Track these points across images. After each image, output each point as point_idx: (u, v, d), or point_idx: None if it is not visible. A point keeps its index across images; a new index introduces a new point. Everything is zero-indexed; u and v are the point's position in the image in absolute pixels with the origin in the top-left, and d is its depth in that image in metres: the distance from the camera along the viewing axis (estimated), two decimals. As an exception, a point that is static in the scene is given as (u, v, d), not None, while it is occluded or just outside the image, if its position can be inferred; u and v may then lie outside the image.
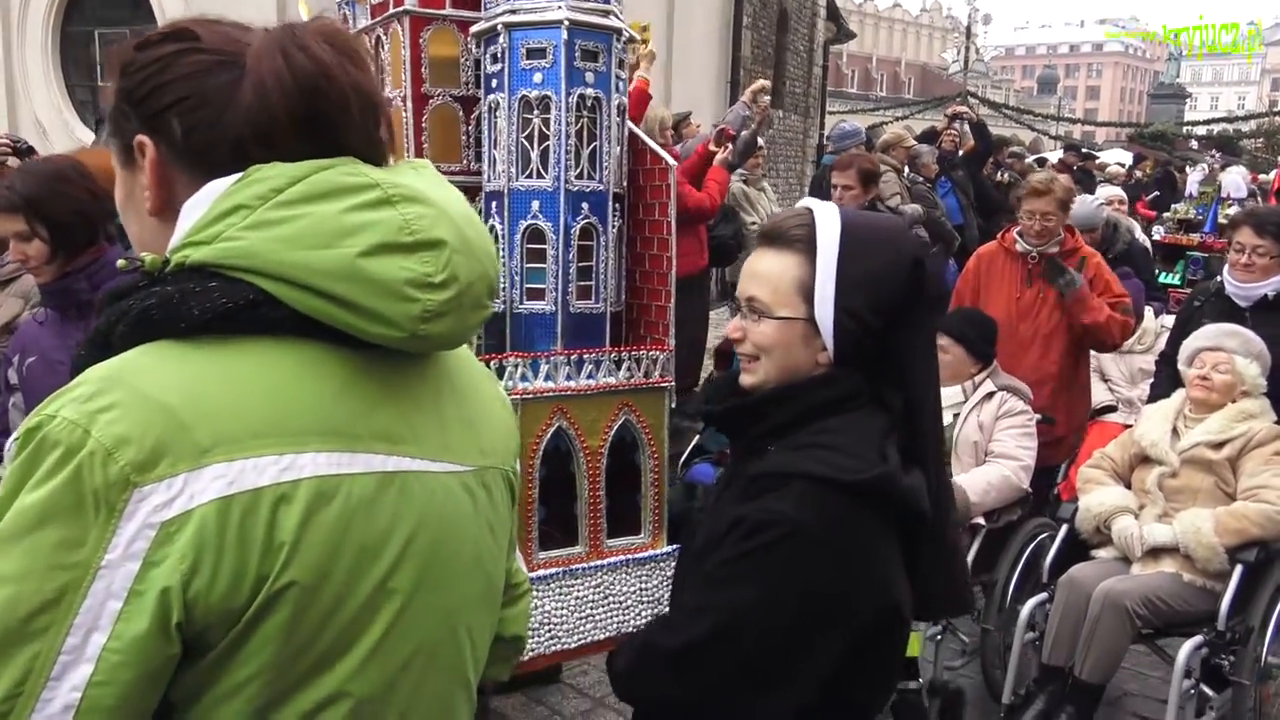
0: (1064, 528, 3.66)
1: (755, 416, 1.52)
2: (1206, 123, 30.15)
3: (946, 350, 3.87)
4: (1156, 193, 13.80)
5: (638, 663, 1.51)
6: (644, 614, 3.10)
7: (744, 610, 1.37)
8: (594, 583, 3.04)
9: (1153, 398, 4.10)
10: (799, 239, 1.49)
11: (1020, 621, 3.45)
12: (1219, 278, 4.22)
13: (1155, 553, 3.36)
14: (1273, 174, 13.80)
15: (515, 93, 2.92)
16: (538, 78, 2.90)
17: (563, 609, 2.98)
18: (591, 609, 3.04)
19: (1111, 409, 5.26)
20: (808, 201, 1.57)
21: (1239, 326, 3.71)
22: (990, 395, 3.89)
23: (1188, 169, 16.31)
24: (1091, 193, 10.81)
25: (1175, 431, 3.57)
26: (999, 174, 10.92)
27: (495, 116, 3.00)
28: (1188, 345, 3.74)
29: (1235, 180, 12.00)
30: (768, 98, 6.78)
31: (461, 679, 1.12)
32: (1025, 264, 4.36)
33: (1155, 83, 50.07)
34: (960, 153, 9.77)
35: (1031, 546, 3.73)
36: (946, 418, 3.74)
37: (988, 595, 3.64)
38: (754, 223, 6.82)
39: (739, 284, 1.56)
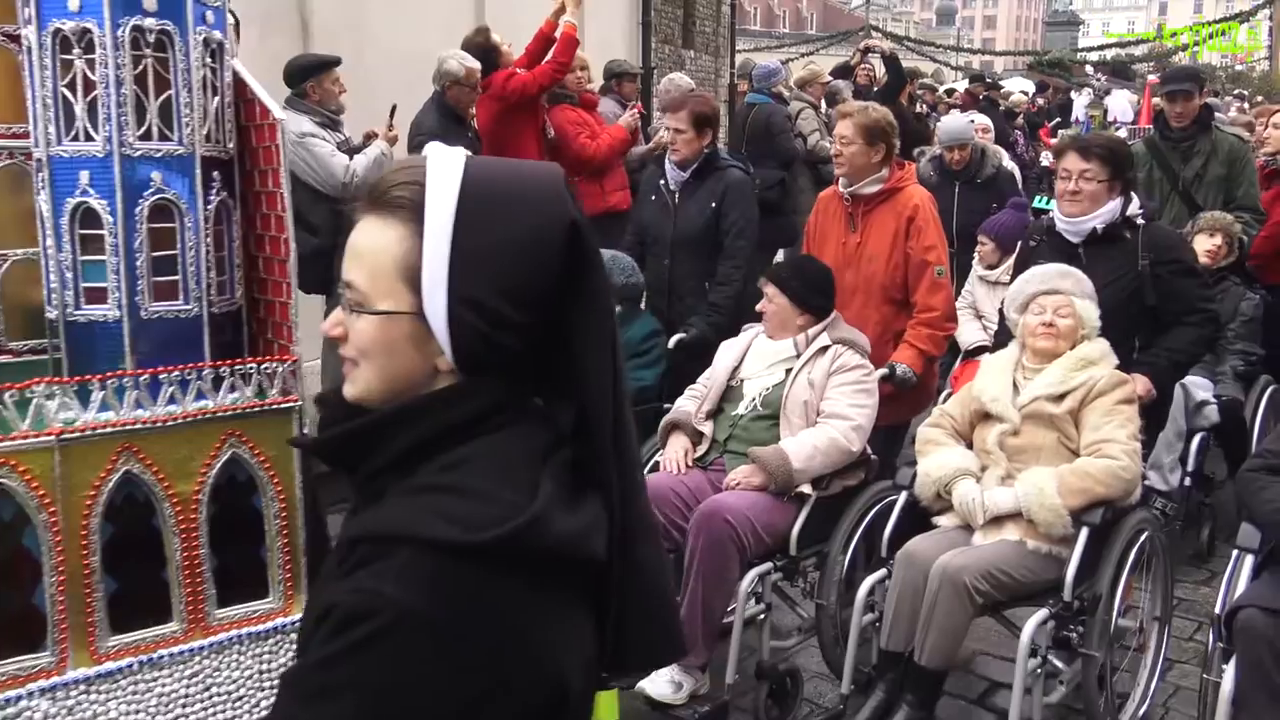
0: (903, 495, 3.32)
1: (364, 445, 1.11)
2: (1100, 48, 30.90)
3: (771, 300, 3.63)
4: (1059, 119, 14.14)
5: None
6: (264, 705, 2.40)
7: None
8: (189, 671, 2.32)
9: (996, 345, 3.82)
10: (404, 202, 1.09)
11: (857, 602, 3.14)
12: (1052, 214, 3.86)
13: (999, 519, 3.07)
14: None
15: (46, 25, 2.25)
16: (73, 4, 2.23)
17: (138, 713, 2.26)
18: (184, 708, 2.32)
19: (986, 348, 4.91)
20: (433, 147, 1.14)
21: (1069, 266, 3.41)
22: (824, 350, 3.57)
23: (1073, 94, 16.48)
24: (999, 129, 11.05)
25: (1016, 385, 3.28)
26: (915, 106, 11.08)
27: (31, 59, 2.31)
28: (1017, 291, 3.41)
29: (1121, 104, 12.10)
30: None
31: None
32: (844, 206, 4.09)
33: (1049, 10, 50.92)
34: (874, 88, 9.90)
35: (871, 515, 3.41)
36: (777, 374, 3.56)
37: (821, 569, 3.36)
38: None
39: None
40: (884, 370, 3.79)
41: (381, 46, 6.38)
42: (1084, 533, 2.96)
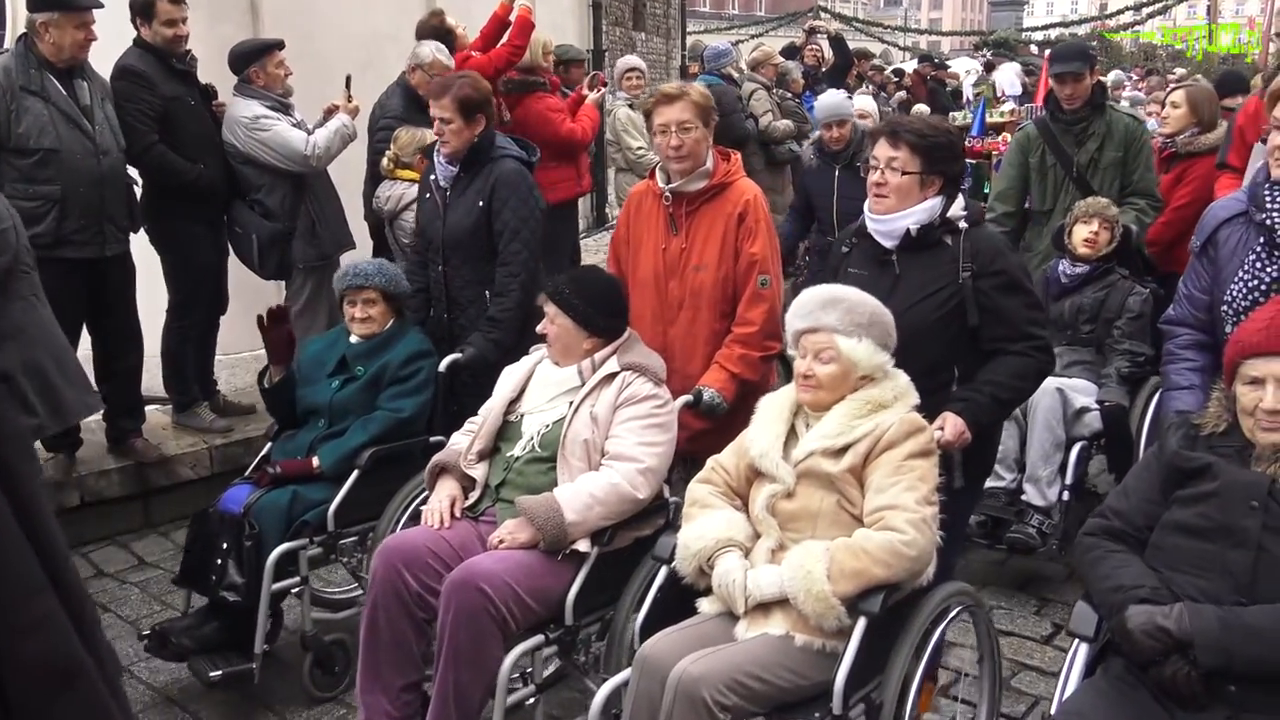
0: (662, 570, 2.72)
1: None
2: (1044, 28, 31.20)
3: (552, 320, 3.13)
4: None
5: None
6: None
7: None
8: None
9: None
10: None
11: (591, 714, 2.50)
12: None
13: (766, 606, 2.49)
14: (1114, 74, 14.27)
15: None
16: None
17: None
18: None
19: None
20: None
21: (841, 289, 2.75)
22: (611, 378, 3.05)
23: (960, 72, 15.78)
24: (945, 111, 11.14)
25: (797, 433, 2.69)
26: (863, 86, 11.20)
27: None
28: (787, 324, 2.79)
29: (1009, 77, 11.70)
30: None
31: None
32: (664, 206, 3.52)
33: (995, -10, 51.36)
34: (822, 68, 10.01)
35: (666, 570, 2.76)
36: (559, 408, 3.07)
37: (607, 639, 2.87)
38: (640, 148, 6.88)
39: None
40: (687, 398, 3.29)
41: (332, 29, 6.34)
42: (860, 624, 2.38)
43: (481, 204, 3.86)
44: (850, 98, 6.08)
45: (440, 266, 3.99)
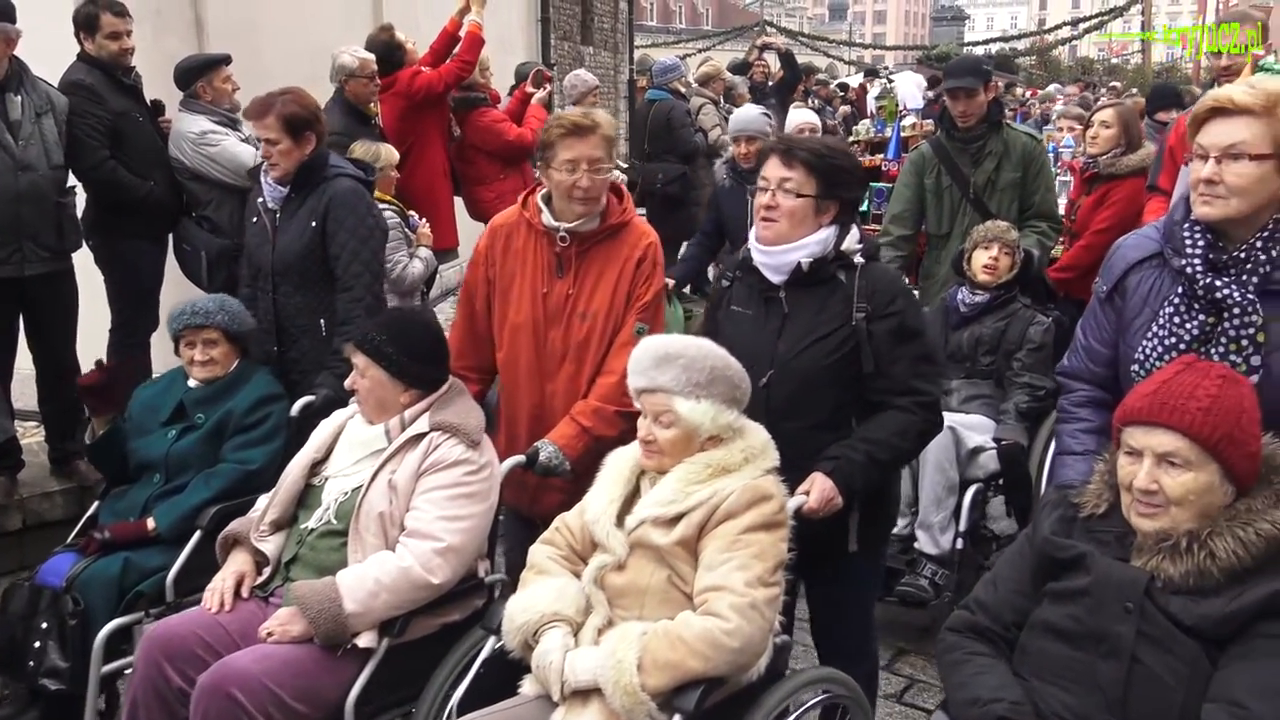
0: (489, 643, 2.43)
1: None
2: (985, 42, 31.89)
3: (363, 373, 2.76)
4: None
5: None
6: None
7: None
8: None
9: None
10: None
11: None
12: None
13: (587, 693, 2.19)
14: (1051, 88, 14.55)
15: None
16: None
17: None
18: None
19: None
20: None
21: (679, 342, 2.44)
22: (418, 440, 2.68)
23: (866, 83, 15.55)
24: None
25: (641, 494, 2.40)
26: (808, 100, 11.35)
27: None
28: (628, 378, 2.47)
29: (909, 88, 11.34)
30: None
31: None
32: (553, 244, 3.06)
33: (936, 5, 52.32)
34: (770, 83, 10.14)
35: (482, 661, 2.45)
36: (363, 473, 2.70)
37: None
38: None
39: None
40: (518, 459, 2.91)
41: (279, 43, 6.29)
42: None
43: (315, 225, 3.56)
44: (766, 114, 5.47)
45: (270, 294, 3.66)
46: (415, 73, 5.63)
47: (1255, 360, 2.16)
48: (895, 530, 3.48)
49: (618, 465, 2.46)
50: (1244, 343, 2.17)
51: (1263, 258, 2.16)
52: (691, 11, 65.84)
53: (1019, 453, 3.74)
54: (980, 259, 4.17)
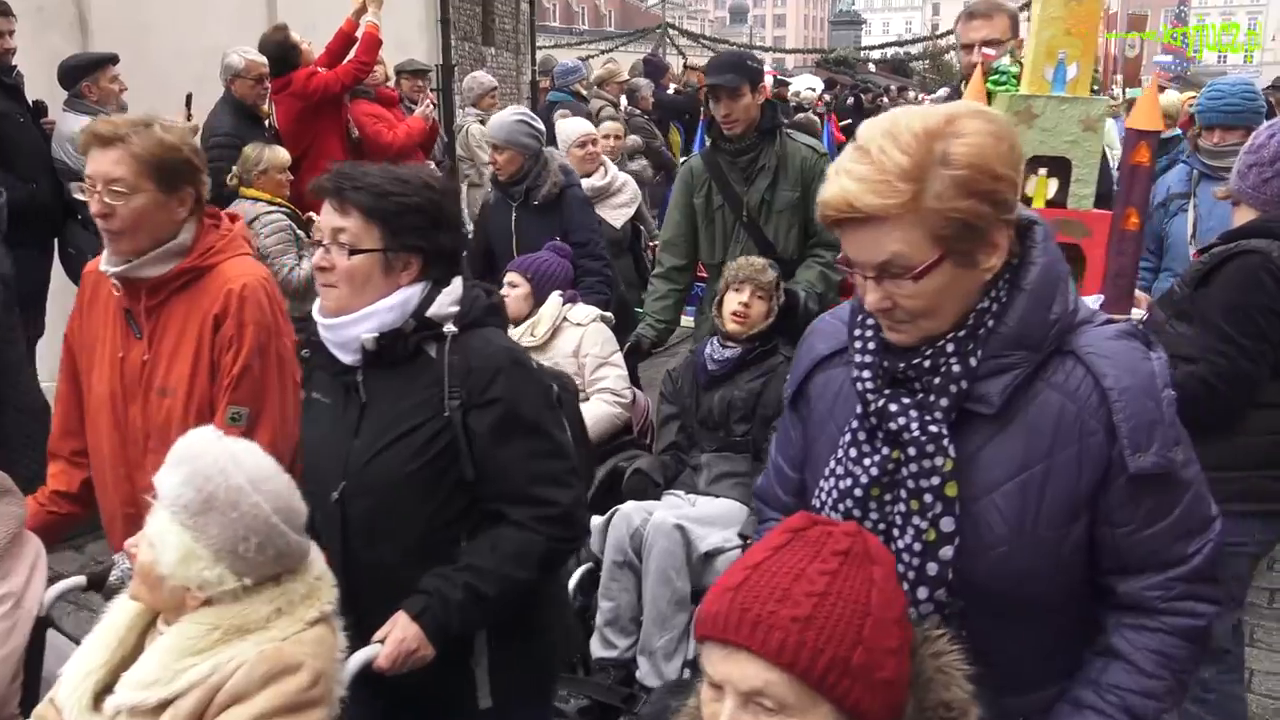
0: None
1: None
2: (881, 47, 32.78)
3: None
4: (850, 120, 14.96)
5: None
6: None
7: None
8: None
9: None
10: None
11: None
12: None
13: None
14: (941, 91, 14.98)
15: None
16: None
17: None
18: None
19: None
20: None
21: (203, 443, 1.78)
22: None
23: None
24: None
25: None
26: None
27: None
28: None
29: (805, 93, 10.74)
30: None
31: None
32: (120, 300, 2.40)
33: (834, 10, 53.46)
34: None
35: None
36: None
37: None
38: (490, 163, 6.88)
39: None
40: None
41: (168, 42, 6.16)
42: None
43: None
44: (525, 120, 4.48)
45: None
46: (311, 73, 5.58)
47: (947, 524, 1.44)
48: (613, 656, 3.00)
49: (115, 619, 1.80)
50: (927, 498, 1.45)
51: (956, 368, 1.44)
52: (594, 13, 65.96)
53: None
54: (730, 304, 3.42)
